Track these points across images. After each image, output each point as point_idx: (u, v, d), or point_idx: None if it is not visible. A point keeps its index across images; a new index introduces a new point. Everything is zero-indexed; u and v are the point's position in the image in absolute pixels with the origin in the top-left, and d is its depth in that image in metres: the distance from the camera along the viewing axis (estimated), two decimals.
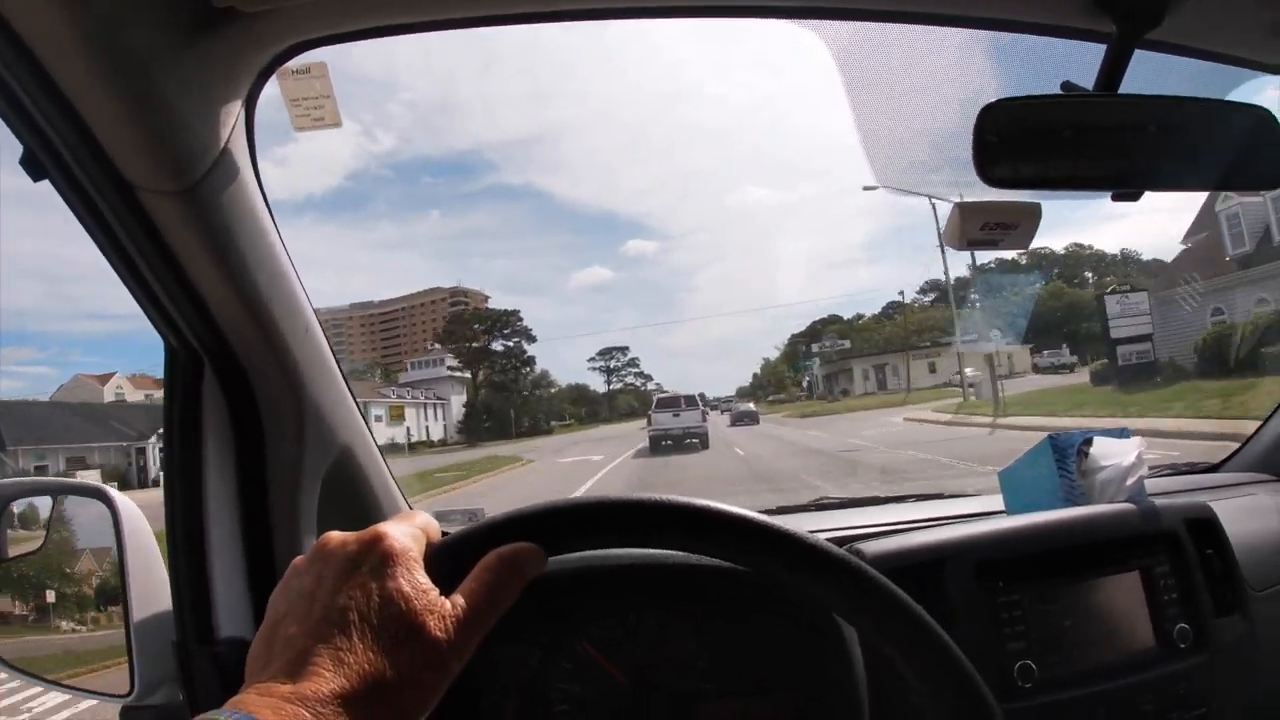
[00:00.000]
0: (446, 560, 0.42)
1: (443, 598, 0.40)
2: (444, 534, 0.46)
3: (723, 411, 28.26)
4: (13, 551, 0.83)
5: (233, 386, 0.77)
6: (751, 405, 28.50)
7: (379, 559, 0.40)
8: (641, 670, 0.75)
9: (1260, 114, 0.72)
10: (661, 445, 16.32)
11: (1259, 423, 1.24)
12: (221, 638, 0.75)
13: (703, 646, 0.75)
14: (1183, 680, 0.83)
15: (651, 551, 0.74)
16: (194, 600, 0.76)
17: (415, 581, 0.39)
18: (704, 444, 15.97)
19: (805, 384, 40.66)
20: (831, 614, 0.73)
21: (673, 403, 17.39)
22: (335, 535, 0.42)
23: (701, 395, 18.10)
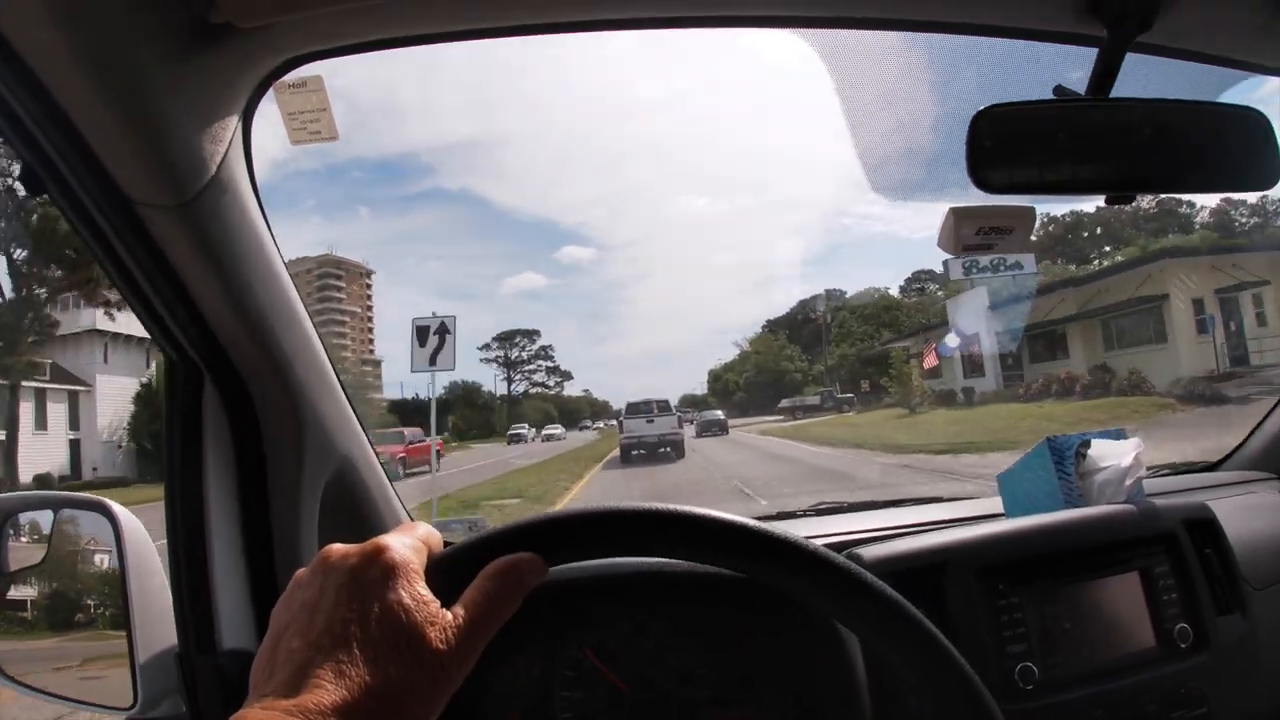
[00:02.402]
0: (448, 572, 0.42)
1: (444, 609, 0.40)
2: (446, 544, 0.46)
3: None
4: (14, 565, 0.83)
5: (233, 399, 0.77)
6: (720, 414, 24.27)
7: (380, 571, 0.40)
8: (644, 678, 0.75)
9: (1252, 116, 0.72)
10: (632, 454, 15.10)
11: None
12: (224, 649, 0.76)
13: (705, 654, 0.75)
14: (1184, 680, 0.84)
15: (654, 560, 0.74)
16: (196, 612, 0.76)
17: (416, 593, 0.40)
18: (678, 453, 14.97)
19: (935, 361, 18.17)
20: (832, 621, 0.74)
21: (645, 408, 16.11)
22: (337, 548, 0.42)
23: (664, 402, 16.54)
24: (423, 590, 0.40)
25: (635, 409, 16.30)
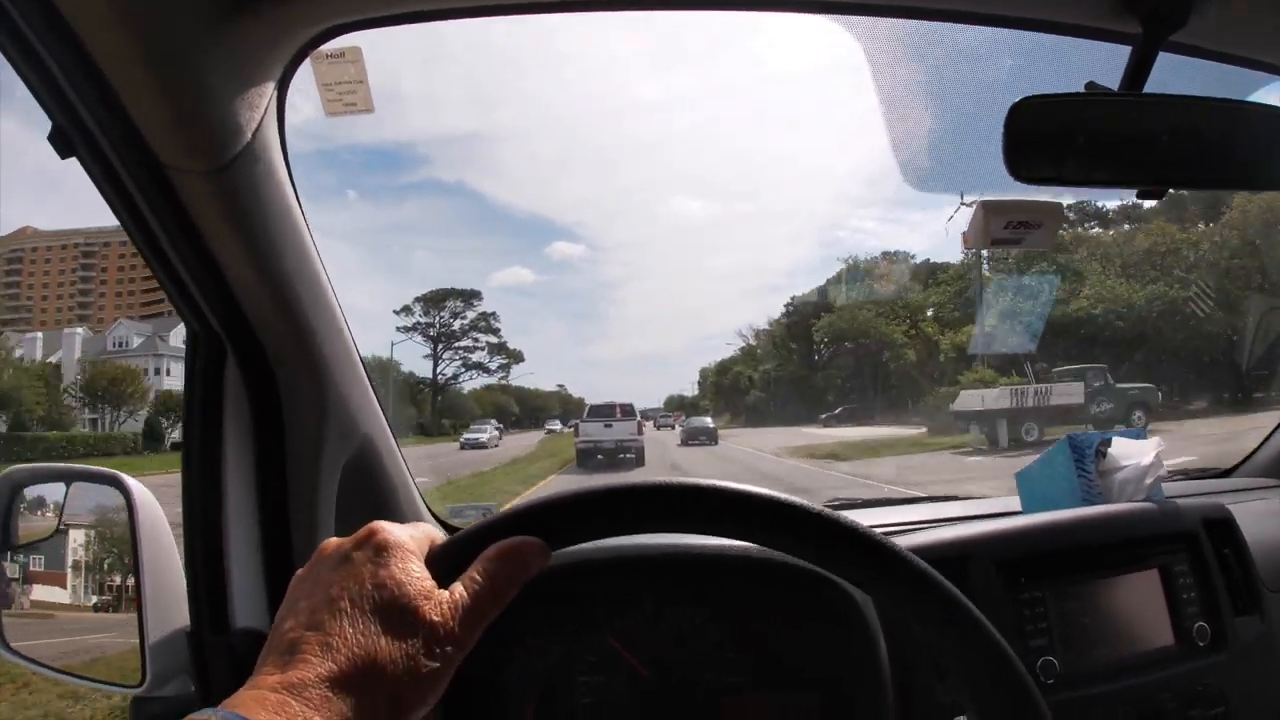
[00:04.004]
0: (448, 558, 0.41)
1: (440, 588, 0.40)
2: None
3: (659, 426, 22.85)
4: (24, 539, 0.81)
5: (255, 373, 0.76)
6: (708, 421, 21.02)
7: (374, 549, 0.40)
8: (665, 663, 0.74)
9: None
10: (592, 459, 14.40)
11: None
12: (237, 628, 0.74)
13: (727, 639, 0.74)
14: (1202, 678, 0.84)
15: (675, 542, 0.74)
16: (210, 589, 0.74)
17: (409, 569, 0.39)
18: (639, 460, 14.24)
19: None
20: (856, 606, 0.73)
21: (606, 411, 15.24)
22: (332, 540, 0.43)
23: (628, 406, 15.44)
24: (416, 567, 0.40)
25: (596, 411, 15.60)
